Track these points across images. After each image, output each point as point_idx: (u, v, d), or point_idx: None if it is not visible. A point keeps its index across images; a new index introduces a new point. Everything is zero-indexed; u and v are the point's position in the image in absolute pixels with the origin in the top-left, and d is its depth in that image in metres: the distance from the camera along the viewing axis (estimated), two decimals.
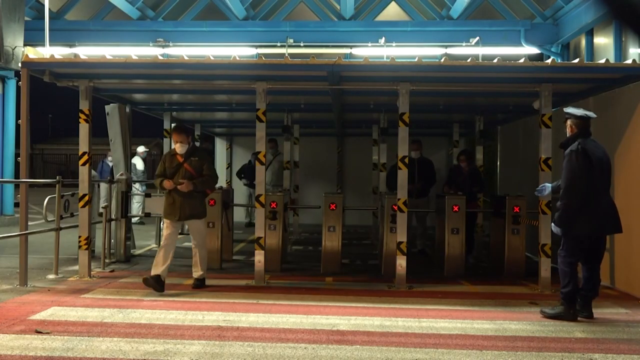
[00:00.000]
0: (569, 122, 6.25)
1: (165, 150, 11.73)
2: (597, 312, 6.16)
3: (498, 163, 13.28)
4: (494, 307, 6.53)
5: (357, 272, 8.73)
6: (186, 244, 11.57)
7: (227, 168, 16.45)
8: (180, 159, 7.34)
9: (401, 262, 7.50)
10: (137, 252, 10.30)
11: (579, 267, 6.20)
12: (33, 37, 12.82)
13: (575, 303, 6.01)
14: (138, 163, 15.20)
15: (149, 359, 4.59)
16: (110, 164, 14.13)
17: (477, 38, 14.22)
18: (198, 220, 7.43)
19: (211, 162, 7.71)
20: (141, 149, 15.69)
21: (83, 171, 7.84)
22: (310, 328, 5.51)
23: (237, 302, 6.51)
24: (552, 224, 6.28)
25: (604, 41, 12.56)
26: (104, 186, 10.22)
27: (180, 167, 7.31)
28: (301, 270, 8.81)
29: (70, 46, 14.54)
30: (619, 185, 7.54)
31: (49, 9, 11.06)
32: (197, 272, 7.47)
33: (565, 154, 6.13)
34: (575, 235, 6.03)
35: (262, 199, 7.78)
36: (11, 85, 14.76)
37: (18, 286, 7.18)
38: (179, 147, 7.32)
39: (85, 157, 7.83)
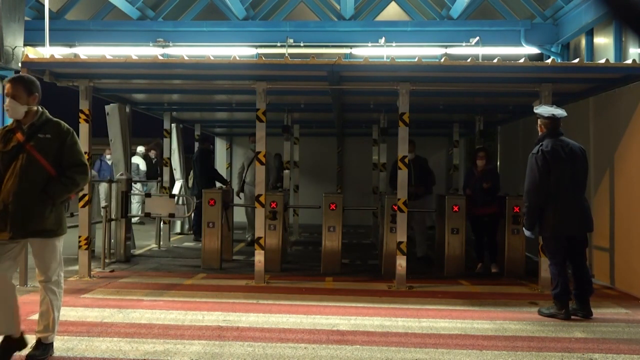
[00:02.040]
0: (539, 122, 6.28)
1: (166, 150, 11.77)
2: (597, 312, 6.16)
3: (498, 163, 13.28)
4: (494, 307, 6.53)
5: (357, 272, 8.72)
6: (187, 243, 11.62)
7: (227, 168, 16.45)
8: (22, 137, 4.41)
9: (401, 262, 7.50)
10: (137, 252, 10.31)
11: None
12: (33, 37, 12.81)
13: (567, 303, 6.03)
14: (140, 163, 15.26)
15: (149, 358, 4.59)
16: (110, 162, 14.20)
17: (477, 38, 14.22)
18: (47, 239, 4.44)
19: (77, 143, 4.56)
20: (141, 149, 15.73)
21: None
22: (310, 328, 5.51)
23: (237, 302, 6.51)
24: (523, 229, 6.36)
25: (604, 41, 12.55)
26: (103, 186, 10.22)
27: (21, 150, 4.39)
28: (301, 270, 8.81)
29: (70, 46, 14.52)
30: (619, 185, 7.54)
31: (49, 9, 11.05)
32: (40, 331, 4.49)
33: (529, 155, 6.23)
34: (546, 236, 6.13)
35: (262, 199, 7.78)
36: None
37: (18, 286, 7.15)
38: (12, 109, 4.39)
39: (85, 157, 7.81)
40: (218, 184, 11.91)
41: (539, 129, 6.30)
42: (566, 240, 6.09)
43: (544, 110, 6.28)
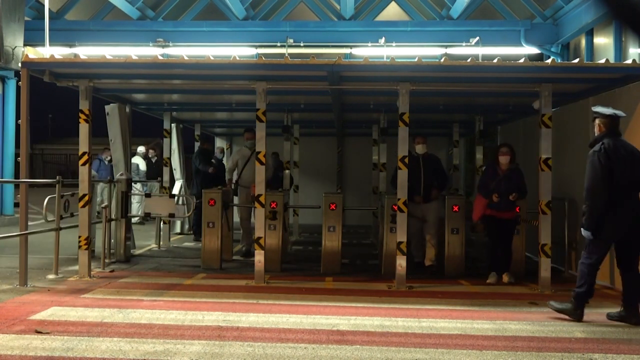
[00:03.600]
0: (597, 121, 6.05)
1: (165, 150, 11.77)
2: (597, 312, 6.16)
3: None
4: (494, 307, 6.53)
5: (357, 272, 8.72)
6: (186, 243, 11.61)
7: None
8: None
9: (401, 262, 7.50)
10: (137, 252, 10.30)
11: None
12: (33, 37, 12.83)
13: (584, 304, 5.89)
14: (140, 163, 15.27)
15: (149, 359, 4.59)
16: (107, 162, 14.24)
17: (477, 38, 14.23)
18: None
19: None
20: (141, 149, 15.73)
21: (83, 171, 7.84)
22: (310, 328, 5.51)
23: (237, 302, 6.51)
24: (582, 228, 5.96)
25: (604, 41, 12.56)
26: (100, 185, 10.19)
27: None
28: (301, 270, 8.81)
29: (70, 46, 14.55)
30: None
31: (49, 9, 11.07)
32: None
33: (588, 154, 5.96)
34: (601, 238, 5.83)
35: (262, 199, 7.78)
36: (11, 85, 14.78)
37: (18, 286, 7.18)
38: None
39: (85, 157, 7.82)
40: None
41: (597, 128, 6.07)
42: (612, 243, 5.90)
43: (605, 109, 6.03)
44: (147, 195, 10.04)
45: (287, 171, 12.37)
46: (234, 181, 10.14)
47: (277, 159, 13.00)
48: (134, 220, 12.16)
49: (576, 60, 7.70)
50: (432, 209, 8.68)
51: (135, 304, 6.33)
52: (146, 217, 10.08)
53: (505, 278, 7.92)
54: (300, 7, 16.28)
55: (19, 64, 8.28)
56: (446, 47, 14.59)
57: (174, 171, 12.54)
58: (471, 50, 14.29)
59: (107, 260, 8.78)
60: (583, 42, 13.29)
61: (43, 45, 10.73)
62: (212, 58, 7.40)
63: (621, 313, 5.92)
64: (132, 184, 10.78)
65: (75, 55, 9.51)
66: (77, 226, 7.93)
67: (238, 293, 7.00)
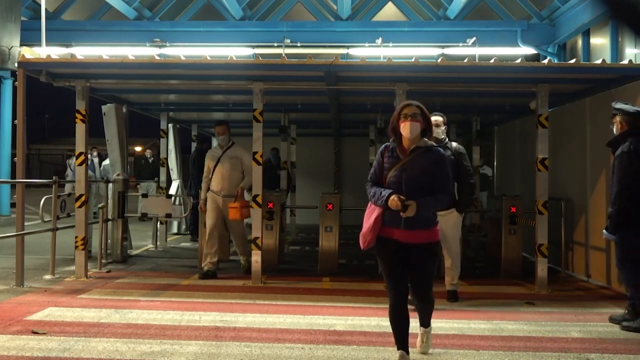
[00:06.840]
0: (618, 118, 5.81)
1: (162, 151, 11.76)
2: (593, 312, 6.17)
3: (495, 163, 13.30)
4: (491, 307, 6.54)
5: (354, 273, 8.72)
6: (183, 244, 11.60)
7: None
8: None
9: None
10: (134, 252, 10.29)
11: None
12: (30, 37, 12.80)
13: None
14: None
15: (146, 359, 4.59)
16: (95, 161, 14.22)
17: (474, 38, 14.24)
18: None
19: None
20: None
21: (80, 171, 7.83)
22: (307, 328, 5.51)
23: (234, 303, 6.51)
24: (605, 231, 5.79)
25: (600, 41, 12.59)
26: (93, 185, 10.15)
27: None
28: (298, 271, 8.80)
29: (67, 46, 14.53)
30: None
31: (46, 9, 11.05)
32: None
33: (615, 155, 5.73)
34: (632, 242, 5.61)
35: (259, 199, 7.77)
36: (7, 85, 14.77)
37: (14, 287, 7.17)
38: None
39: (82, 158, 7.82)
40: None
41: (617, 125, 5.83)
42: None
43: (628, 106, 5.76)
44: (144, 196, 10.02)
45: (283, 171, 12.36)
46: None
47: (277, 155, 12.92)
48: None
49: (573, 61, 7.71)
50: (451, 221, 6.53)
51: (132, 305, 6.32)
52: (143, 218, 10.07)
53: (418, 342, 4.73)
54: (297, 8, 16.27)
55: (16, 64, 8.26)
56: (443, 47, 14.60)
57: (170, 171, 12.52)
58: (468, 50, 14.30)
59: (103, 261, 8.76)
60: (579, 42, 13.32)
61: (40, 45, 10.72)
62: (209, 58, 7.40)
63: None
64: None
65: (72, 56, 9.45)
66: (73, 226, 7.92)
67: (235, 293, 7.00)
